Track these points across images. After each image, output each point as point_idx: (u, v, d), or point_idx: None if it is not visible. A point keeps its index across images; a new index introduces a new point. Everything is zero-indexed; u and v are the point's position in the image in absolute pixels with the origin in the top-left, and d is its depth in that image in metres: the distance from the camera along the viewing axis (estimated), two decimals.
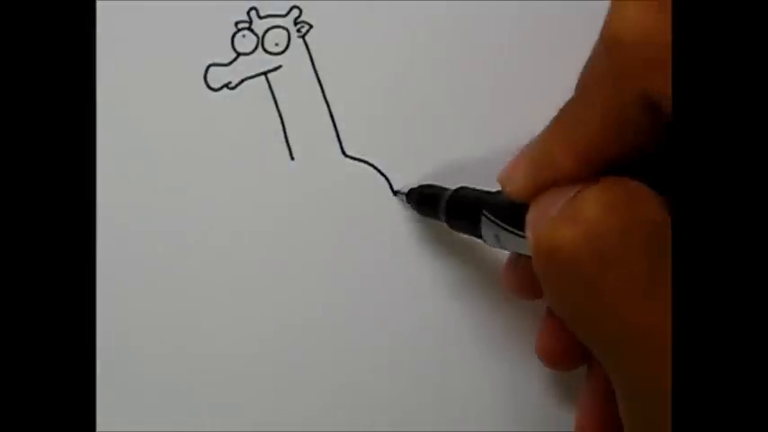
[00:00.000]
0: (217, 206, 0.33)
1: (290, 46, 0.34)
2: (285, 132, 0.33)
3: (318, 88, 0.34)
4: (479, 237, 0.27)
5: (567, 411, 0.32)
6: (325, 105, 0.34)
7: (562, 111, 0.24)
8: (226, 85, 0.34)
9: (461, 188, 0.29)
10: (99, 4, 0.33)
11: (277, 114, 0.34)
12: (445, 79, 0.34)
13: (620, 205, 0.21)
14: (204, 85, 0.34)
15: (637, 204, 0.21)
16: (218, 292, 0.33)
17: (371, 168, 0.33)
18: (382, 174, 0.33)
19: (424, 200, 0.31)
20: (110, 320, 0.32)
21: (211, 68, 0.34)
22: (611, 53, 0.21)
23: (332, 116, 0.34)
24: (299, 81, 0.34)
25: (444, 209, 0.29)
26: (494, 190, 0.26)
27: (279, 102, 0.34)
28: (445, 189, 0.30)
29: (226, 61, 0.34)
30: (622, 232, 0.20)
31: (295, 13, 0.34)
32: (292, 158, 0.33)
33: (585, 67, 0.23)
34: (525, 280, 0.27)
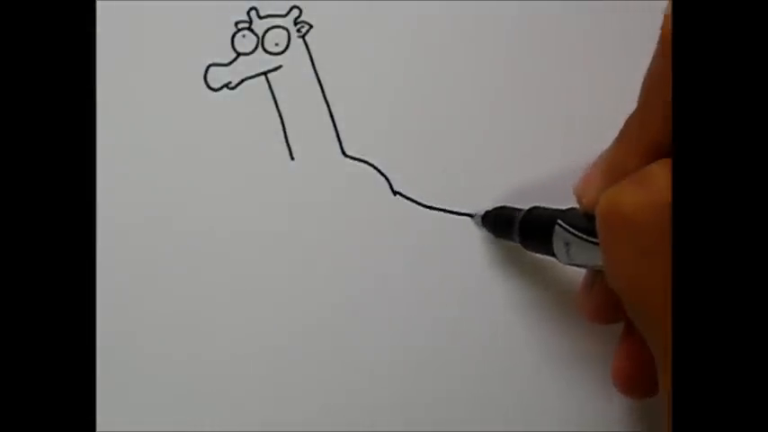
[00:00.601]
0: (217, 206, 0.33)
1: (290, 46, 0.34)
2: (285, 132, 0.33)
3: (318, 88, 0.34)
4: (551, 253, 0.27)
5: None
6: (325, 105, 0.34)
7: (629, 119, 0.24)
8: (226, 85, 0.34)
9: (535, 208, 0.29)
10: (99, 4, 0.33)
11: (277, 114, 0.34)
12: (445, 79, 0.34)
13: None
14: (204, 85, 0.34)
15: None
16: (219, 292, 0.33)
17: (371, 168, 0.33)
18: (382, 174, 0.33)
19: (499, 221, 0.31)
20: (110, 320, 0.32)
21: (211, 68, 0.34)
22: (668, 50, 0.21)
23: (332, 116, 0.34)
24: (299, 81, 0.34)
25: (519, 227, 0.29)
26: (562, 207, 0.27)
27: (279, 102, 0.34)
28: (519, 210, 0.30)
29: (226, 61, 0.34)
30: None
31: (295, 13, 0.34)
32: (292, 158, 0.33)
33: (648, 70, 0.23)
34: (600, 303, 0.27)
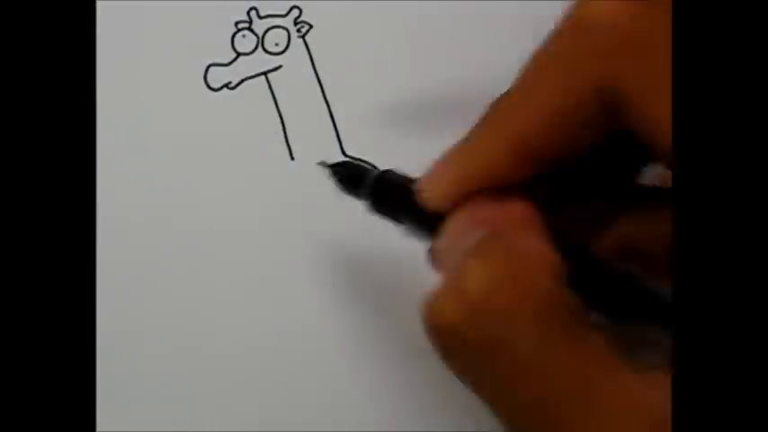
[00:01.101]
0: (217, 206, 0.33)
1: (290, 46, 0.34)
2: (285, 132, 0.33)
3: (318, 88, 0.34)
4: (401, 225, 0.25)
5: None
6: (325, 105, 0.34)
7: (500, 99, 0.22)
8: (226, 85, 0.34)
9: (389, 171, 0.27)
10: (99, 4, 0.33)
11: (277, 114, 0.34)
12: (445, 79, 0.34)
13: (506, 281, 0.19)
14: (204, 85, 0.34)
15: (524, 277, 0.19)
16: (218, 292, 0.32)
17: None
18: None
19: (348, 178, 0.28)
20: (110, 320, 0.32)
21: (211, 68, 0.34)
22: (575, 33, 0.20)
23: (332, 116, 0.34)
24: (299, 81, 0.34)
25: (369, 192, 0.27)
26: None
27: (279, 102, 0.34)
28: (370, 169, 0.27)
29: (226, 61, 0.34)
30: (507, 309, 0.19)
31: (295, 13, 0.34)
32: (292, 158, 0.33)
33: (539, 50, 0.22)
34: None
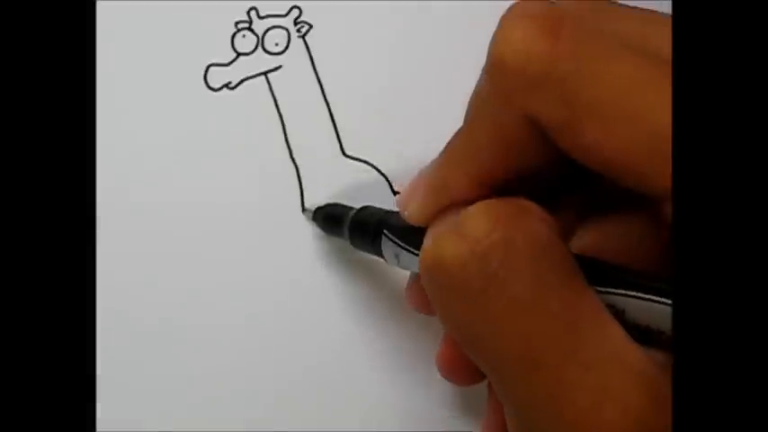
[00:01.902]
0: (216, 206, 0.33)
1: (290, 46, 0.34)
2: (285, 132, 0.33)
3: (318, 88, 0.34)
4: (381, 256, 0.27)
5: (468, 425, 0.32)
6: (325, 105, 0.34)
7: (455, 135, 0.24)
8: (226, 85, 0.34)
9: (365, 207, 0.29)
10: (99, 4, 0.33)
11: (277, 114, 0.34)
12: (445, 79, 0.34)
13: (505, 219, 0.20)
14: (204, 85, 0.34)
15: (522, 218, 0.20)
16: (218, 292, 0.32)
17: (371, 168, 0.33)
18: (382, 174, 0.33)
19: (329, 219, 0.31)
20: (110, 320, 0.32)
21: (211, 68, 0.34)
22: (494, 74, 0.22)
23: (332, 116, 0.34)
24: (299, 81, 0.34)
25: (348, 228, 0.29)
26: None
27: (279, 102, 0.34)
28: (350, 208, 0.30)
29: (226, 61, 0.34)
30: (506, 246, 0.20)
31: (295, 13, 0.34)
32: (292, 158, 0.33)
33: (475, 88, 0.23)
34: (425, 296, 0.27)
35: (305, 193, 0.33)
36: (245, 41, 0.34)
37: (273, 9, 0.34)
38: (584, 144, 0.20)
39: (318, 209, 0.32)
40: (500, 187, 0.22)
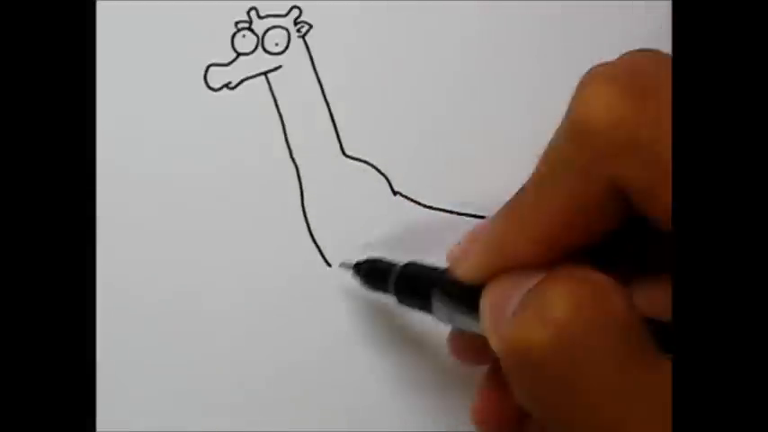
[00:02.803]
0: (216, 206, 0.33)
1: (290, 46, 0.34)
2: (285, 132, 0.33)
3: (318, 88, 0.34)
4: (431, 314, 0.26)
5: None
6: (325, 105, 0.34)
7: (519, 195, 0.23)
8: (226, 85, 0.34)
9: (411, 263, 0.28)
10: (99, 4, 0.33)
11: (277, 114, 0.34)
12: (445, 79, 0.34)
13: (588, 303, 0.20)
14: (204, 85, 0.34)
15: (603, 300, 0.20)
16: (218, 292, 0.32)
17: (371, 168, 0.33)
18: (382, 174, 0.33)
19: (372, 275, 0.30)
20: (110, 320, 0.32)
21: (211, 68, 0.34)
22: (578, 139, 0.21)
23: (332, 116, 0.34)
24: (299, 81, 0.34)
25: (394, 285, 0.28)
26: (444, 267, 0.26)
27: (279, 102, 0.34)
28: (394, 264, 0.29)
29: (226, 61, 0.34)
30: (591, 330, 0.20)
31: (295, 13, 0.34)
32: (292, 158, 0.33)
33: (547, 152, 0.23)
34: (472, 350, 0.27)
35: (305, 194, 0.33)
36: (245, 41, 0.34)
37: (273, 9, 0.34)
38: (667, 208, 0.20)
39: (359, 264, 0.31)
40: (562, 253, 0.22)
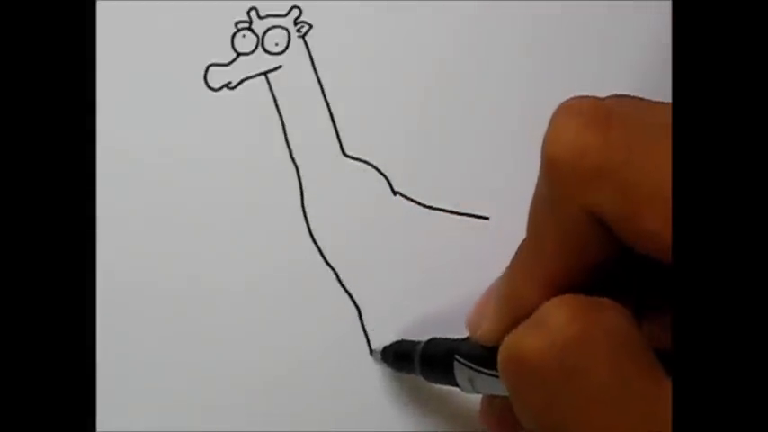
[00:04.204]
0: (216, 206, 0.33)
1: (290, 46, 0.34)
2: (285, 132, 0.33)
3: (318, 88, 0.34)
4: (455, 384, 0.27)
5: None
6: (325, 105, 0.34)
7: (520, 247, 0.24)
8: (226, 85, 0.34)
9: (432, 339, 0.29)
10: (99, 4, 0.33)
11: (277, 114, 0.34)
12: (445, 79, 0.34)
13: (583, 312, 0.21)
14: (204, 85, 0.34)
15: (599, 312, 0.21)
16: (218, 293, 0.32)
17: (371, 168, 0.33)
18: (382, 174, 0.33)
19: (398, 357, 0.31)
20: (110, 320, 0.32)
21: (211, 68, 0.34)
22: (550, 173, 0.22)
23: (332, 116, 0.34)
24: (299, 81, 0.34)
25: (419, 362, 0.29)
26: (465, 335, 0.26)
27: (279, 102, 0.34)
28: (417, 342, 0.29)
29: (226, 61, 0.34)
30: (585, 338, 0.20)
31: (295, 13, 0.34)
32: (292, 159, 0.33)
33: (533, 196, 0.23)
34: (502, 417, 0.27)
35: (305, 194, 0.33)
36: (245, 41, 0.34)
37: (273, 9, 0.34)
38: (646, 233, 0.20)
39: (386, 348, 0.31)
40: (571, 287, 0.22)
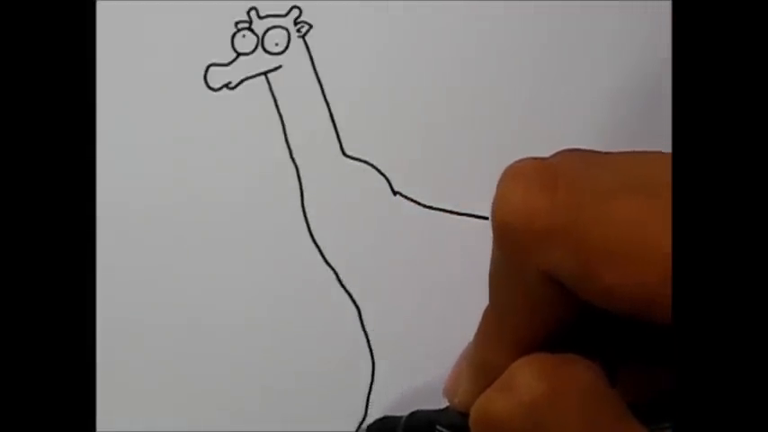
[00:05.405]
0: (216, 206, 0.33)
1: (290, 46, 0.34)
2: (285, 132, 0.33)
3: (318, 88, 0.34)
4: None
5: None
6: (325, 105, 0.34)
7: (484, 313, 0.24)
8: (226, 85, 0.34)
9: (414, 413, 0.29)
10: (99, 4, 0.33)
11: (277, 114, 0.34)
12: (445, 79, 0.34)
13: (550, 370, 0.21)
14: (204, 85, 0.34)
15: (566, 368, 0.21)
16: (219, 291, 0.33)
17: (371, 168, 0.33)
18: (382, 174, 0.33)
19: None
20: (110, 320, 0.32)
21: (211, 68, 0.34)
22: (501, 238, 0.22)
23: (332, 116, 0.34)
24: (299, 81, 0.34)
25: None
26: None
27: (279, 102, 0.34)
28: (399, 417, 0.30)
29: (226, 61, 0.34)
30: (553, 397, 0.21)
31: (295, 13, 0.34)
32: (292, 159, 0.33)
33: (490, 265, 0.23)
34: None
35: (305, 194, 0.33)
36: (245, 41, 0.34)
37: (273, 9, 0.34)
38: (603, 288, 0.20)
39: (369, 427, 0.31)
40: (539, 347, 0.22)
